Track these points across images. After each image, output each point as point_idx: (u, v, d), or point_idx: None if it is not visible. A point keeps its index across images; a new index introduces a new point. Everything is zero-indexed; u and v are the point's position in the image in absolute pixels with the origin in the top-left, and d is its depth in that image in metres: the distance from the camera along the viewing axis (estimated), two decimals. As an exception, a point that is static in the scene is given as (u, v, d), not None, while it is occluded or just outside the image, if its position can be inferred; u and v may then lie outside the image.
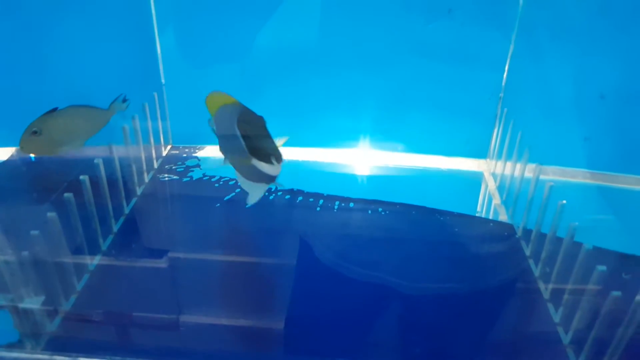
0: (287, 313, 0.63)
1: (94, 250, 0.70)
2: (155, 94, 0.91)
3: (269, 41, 0.92)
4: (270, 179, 0.65)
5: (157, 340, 0.61)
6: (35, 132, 0.80)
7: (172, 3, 0.91)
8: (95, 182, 0.70)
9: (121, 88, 0.89)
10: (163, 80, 0.96)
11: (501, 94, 0.94)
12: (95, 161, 0.70)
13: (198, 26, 0.92)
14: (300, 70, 0.94)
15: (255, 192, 0.68)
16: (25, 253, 0.56)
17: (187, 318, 0.63)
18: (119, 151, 0.78)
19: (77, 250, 0.67)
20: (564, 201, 0.67)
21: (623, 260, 0.73)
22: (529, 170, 0.78)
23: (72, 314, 0.62)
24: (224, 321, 0.63)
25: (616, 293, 0.54)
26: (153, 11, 0.91)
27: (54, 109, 0.83)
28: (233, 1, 0.89)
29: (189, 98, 0.96)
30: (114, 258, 0.71)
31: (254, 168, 0.63)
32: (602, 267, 0.57)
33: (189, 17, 0.92)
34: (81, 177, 0.66)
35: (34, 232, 0.56)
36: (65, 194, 0.62)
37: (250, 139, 0.64)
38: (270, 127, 1.03)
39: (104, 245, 0.72)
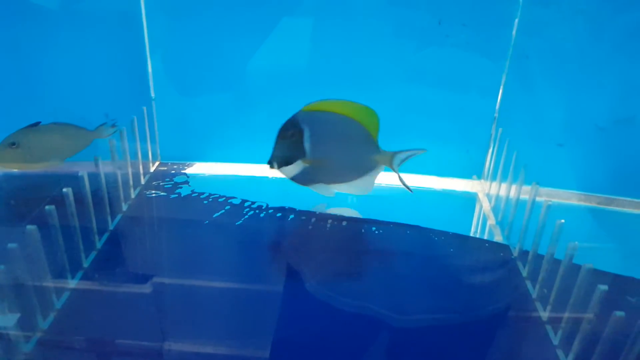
0: (273, 340, 0.60)
1: (75, 266, 0.67)
2: (145, 108, 0.89)
3: (261, 62, 0.91)
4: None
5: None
6: (13, 144, 0.79)
7: (164, 20, 0.90)
8: (79, 198, 0.68)
9: (110, 100, 0.87)
10: (153, 95, 0.94)
11: (495, 115, 0.94)
12: (80, 174, 0.67)
13: (189, 43, 0.91)
14: (292, 92, 0.93)
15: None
16: (0, 267, 0.53)
17: (170, 345, 0.59)
18: (104, 166, 0.76)
19: (57, 266, 0.63)
20: (562, 220, 0.66)
21: (621, 282, 0.72)
22: (524, 192, 0.77)
23: (50, 335, 0.58)
24: (208, 349, 0.60)
25: (620, 313, 0.52)
26: (145, 27, 0.90)
27: (37, 123, 0.82)
28: (226, 18, 0.89)
29: (178, 114, 0.95)
30: (97, 275, 0.68)
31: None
32: (603, 287, 0.55)
33: (180, 34, 0.91)
34: (64, 189, 0.63)
35: (12, 245, 0.53)
36: (47, 207, 0.59)
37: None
38: (263, 147, 1.03)
39: (87, 262, 0.69)
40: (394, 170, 0.79)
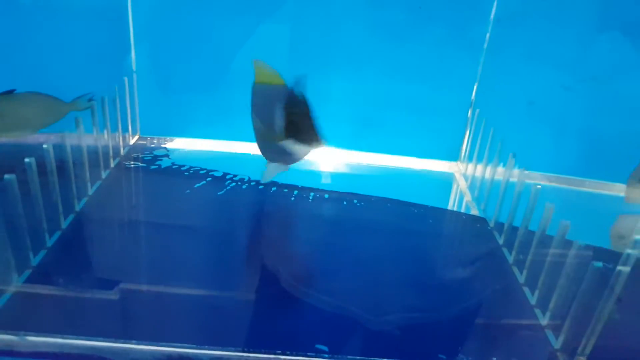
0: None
1: (53, 227, 0.66)
2: (126, 79, 0.88)
3: (245, 41, 0.92)
4: (292, 160, 0.66)
5: None
6: None
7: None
8: (59, 165, 0.66)
9: (91, 72, 0.86)
10: (134, 67, 0.93)
11: (472, 98, 0.97)
12: (45, 146, 0.65)
13: (174, 17, 0.91)
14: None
15: (272, 170, 0.70)
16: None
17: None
18: (84, 138, 0.74)
19: (36, 223, 0.62)
20: (539, 186, 0.68)
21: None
22: (510, 166, 0.79)
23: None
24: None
25: (598, 264, 0.54)
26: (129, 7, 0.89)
27: (11, 91, 0.80)
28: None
29: (159, 88, 0.94)
30: (74, 236, 0.67)
31: (283, 147, 0.64)
32: (578, 242, 0.57)
33: (165, 7, 0.91)
34: (45, 146, 0.62)
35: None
36: (6, 176, 0.57)
37: (294, 120, 0.65)
38: (243, 124, 1.02)
39: (65, 223, 0.68)
40: None
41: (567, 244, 0.59)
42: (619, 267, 0.51)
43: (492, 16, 0.91)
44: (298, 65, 0.92)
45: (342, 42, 0.93)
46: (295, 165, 0.96)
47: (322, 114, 0.96)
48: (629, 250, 0.53)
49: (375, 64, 0.95)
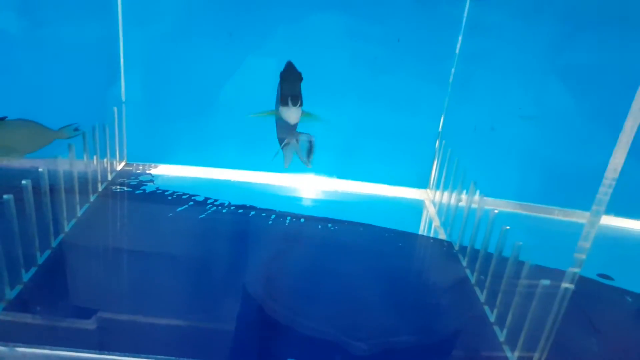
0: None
1: (44, 246, 0.70)
2: (115, 109, 0.94)
3: (230, 75, 0.98)
4: (291, 129, 0.72)
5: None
6: None
7: (139, 32, 0.95)
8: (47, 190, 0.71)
9: (83, 101, 0.91)
10: (123, 98, 0.98)
11: (440, 129, 1.04)
12: (40, 170, 0.70)
13: (162, 50, 0.97)
14: (260, 101, 1.00)
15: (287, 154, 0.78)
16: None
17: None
18: (70, 164, 0.79)
19: (29, 242, 0.66)
20: (496, 210, 0.74)
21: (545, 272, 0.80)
22: (472, 191, 0.86)
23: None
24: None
25: (545, 281, 0.60)
26: (121, 39, 0.95)
27: (3, 118, 0.84)
28: (200, 30, 0.95)
29: (146, 117, 1.00)
30: (64, 255, 0.70)
31: (281, 119, 0.71)
32: (530, 263, 0.64)
33: (154, 44, 0.96)
34: (40, 169, 0.67)
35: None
36: (24, 181, 0.63)
37: (282, 90, 0.71)
38: (226, 152, 1.08)
39: (54, 242, 0.72)
40: None
41: (521, 264, 0.65)
42: (563, 284, 0.57)
43: (457, 51, 0.98)
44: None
45: (324, 72, 1.00)
46: (274, 191, 1.02)
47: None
48: (573, 269, 0.59)
49: (352, 94, 1.02)
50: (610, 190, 0.60)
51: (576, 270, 0.57)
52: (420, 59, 0.99)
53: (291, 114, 0.73)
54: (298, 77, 0.74)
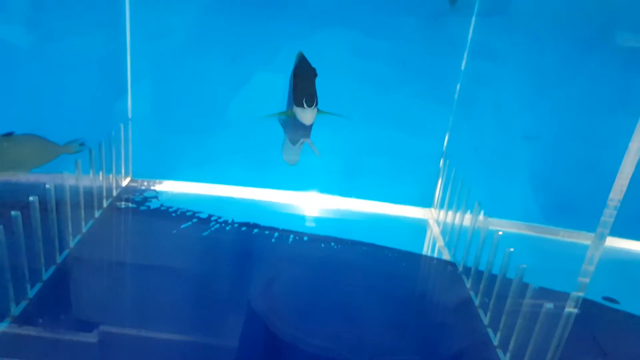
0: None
1: (49, 261, 0.70)
2: (122, 126, 0.94)
3: (239, 103, 0.99)
4: (305, 130, 0.67)
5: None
6: None
7: (147, 48, 0.97)
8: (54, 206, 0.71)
9: (89, 116, 0.92)
10: (130, 115, 0.99)
11: (444, 148, 1.04)
12: (47, 186, 0.70)
13: (170, 67, 0.98)
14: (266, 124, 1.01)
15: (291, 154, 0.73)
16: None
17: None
18: (75, 179, 0.80)
19: (35, 256, 0.67)
20: (500, 232, 0.74)
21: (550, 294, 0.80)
22: (476, 212, 0.86)
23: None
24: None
25: (549, 305, 0.60)
26: (128, 57, 0.96)
27: (10, 133, 0.85)
28: (207, 45, 0.96)
29: (152, 133, 1.01)
30: (69, 272, 0.71)
31: (295, 119, 0.66)
32: (534, 286, 0.63)
33: (162, 60, 0.98)
34: (47, 185, 0.67)
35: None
36: (31, 198, 0.63)
37: (297, 89, 0.66)
38: (229, 169, 1.08)
39: (60, 258, 0.73)
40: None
41: (525, 287, 0.65)
42: (567, 309, 0.57)
43: (462, 69, 0.99)
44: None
45: (329, 90, 1.00)
46: (278, 209, 1.03)
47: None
48: (577, 293, 0.59)
49: (358, 113, 1.02)
50: (615, 212, 0.60)
51: (580, 294, 0.56)
52: (426, 78, 1.00)
53: (307, 115, 0.68)
54: (313, 73, 0.69)
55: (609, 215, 0.60)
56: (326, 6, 0.95)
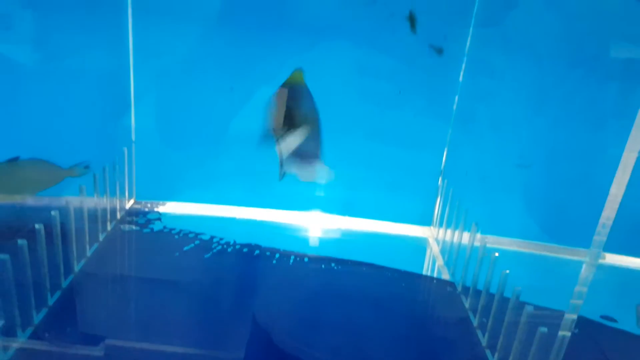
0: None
1: (55, 287, 0.72)
2: (125, 149, 0.96)
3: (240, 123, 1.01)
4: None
5: None
6: None
7: (149, 73, 0.99)
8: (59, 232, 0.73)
9: (94, 139, 0.94)
10: (133, 138, 1.01)
11: (442, 168, 1.06)
12: (52, 213, 0.72)
13: (172, 93, 1.00)
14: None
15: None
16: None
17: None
18: (79, 201, 0.81)
19: (40, 280, 0.68)
20: (497, 253, 0.75)
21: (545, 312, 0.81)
22: (473, 234, 0.87)
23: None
24: None
25: (543, 329, 0.61)
26: (132, 80, 0.98)
27: (16, 158, 0.87)
28: (207, 73, 0.98)
29: (155, 155, 1.02)
30: (75, 295, 0.72)
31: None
32: (530, 308, 0.65)
33: (164, 85, 1.00)
34: (52, 212, 0.69)
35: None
36: (36, 225, 0.65)
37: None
38: (230, 190, 1.09)
39: (65, 282, 0.74)
40: None
41: (523, 306, 0.66)
42: (561, 332, 0.58)
43: (458, 90, 1.01)
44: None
45: (330, 110, 1.02)
46: (279, 229, 1.04)
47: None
48: (571, 315, 0.60)
49: (358, 130, 1.04)
50: (607, 231, 0.61)
51: (573, 316, 0.57)
52: (425, 97, 1.01)
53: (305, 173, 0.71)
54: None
55: (602, 234, 0.61)
56: (327, 24, 0.97)
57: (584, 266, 0.62)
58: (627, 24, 0.91)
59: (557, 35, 0.94)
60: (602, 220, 0.59)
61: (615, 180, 0.59)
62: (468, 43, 0.97)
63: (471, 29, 0.96)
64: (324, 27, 0.96)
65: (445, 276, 0.92)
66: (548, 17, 0.93)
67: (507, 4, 0.94)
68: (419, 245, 1.05)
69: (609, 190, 0.59)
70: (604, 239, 0.61)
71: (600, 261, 1.05)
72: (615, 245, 0.87)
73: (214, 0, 0.94)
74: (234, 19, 0.95)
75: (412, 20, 0.92)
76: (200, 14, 0.95)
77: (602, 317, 0.84)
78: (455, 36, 0.96)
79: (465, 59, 0.98)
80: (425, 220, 1.09)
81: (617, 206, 0.60)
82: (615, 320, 0.84)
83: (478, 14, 0.95)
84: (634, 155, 0.57)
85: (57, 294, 0.72)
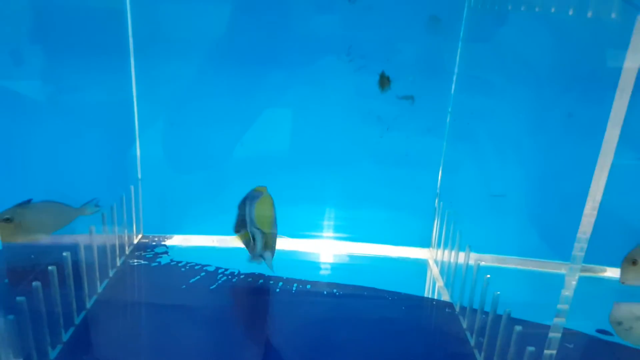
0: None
1: (68, 323, 0.76)
2: (132, 187, 1.01)
3: (244, 150, 1.05)
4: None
5: None
6: (7, 220, 0.88)
7: (152, 109, 1.04)
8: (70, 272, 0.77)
9: (101, 180, 0.99)
10: (139, 176, 1.06)
11: (438, 190, 1.09)
12: (64, 254, 0.76)
13: (176, 130, 1.05)
14: (273, 170, 1.07)
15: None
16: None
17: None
18: (90, 238, 0.86)
19: (55, 319, 0.72)
20: (488, 276, 0.78)
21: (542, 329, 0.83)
22: (467, 256, 0.90)
23: None
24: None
25: (530, 348, 0.64)
26: (136, 118, 1.03)
27: (28, 201, 0.92)
28: (211, 107, 1.03)
29: (161, 190, 1.07)
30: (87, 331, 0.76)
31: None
32: (518, 327, 0.67)
33: (167, 121, 1.05)
34: (64, 254, 0.74)
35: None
36: (49, 267, 0.69)
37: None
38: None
39: (78, 319, 0.79)
40: None
41: (512, 326, 0.69)
42: (546, 351, 0.61)
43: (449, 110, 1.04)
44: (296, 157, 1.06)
45: (328, 134, 1.06)
46: (281, 256, 1.07)
47: (306, 208, 1.08)
48: (554, 333, 0.62)
49: (358, 153, 1.08)
50: (585, 246, 0.63)
51: (557, 335, 0.60)
52: (424, 117, 1.05)
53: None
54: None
55: (579, 249, 0.63)
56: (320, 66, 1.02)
57: (565, 281, 0.64)
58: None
59: (550, 53, 0.97)
60: (579, 234, 0.62)
61: (589, 196, 0.62)
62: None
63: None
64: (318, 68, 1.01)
65: (446, 297, 0.94)
66: (540, 32, 0.95)
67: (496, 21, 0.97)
68: (420, 267, 1.07)
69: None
70: (582, 254, 0.63)
71: (601, 274, 1.07)
72: (615, 259, 0.90)
73: (212, 38, 0.99)
74: (234, 55, 1.00)
75: (382, 79, 0.98)
76: (198, 52, 1.00)
77: (598, 331, 0.86)
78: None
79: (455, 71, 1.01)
80: (425, 242, 1.12)
81: (593, 220, 0.62)
82: (611, 334, 0.85)
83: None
84: (606, 172, 0.59)
85: (71, 330, 0.76)
